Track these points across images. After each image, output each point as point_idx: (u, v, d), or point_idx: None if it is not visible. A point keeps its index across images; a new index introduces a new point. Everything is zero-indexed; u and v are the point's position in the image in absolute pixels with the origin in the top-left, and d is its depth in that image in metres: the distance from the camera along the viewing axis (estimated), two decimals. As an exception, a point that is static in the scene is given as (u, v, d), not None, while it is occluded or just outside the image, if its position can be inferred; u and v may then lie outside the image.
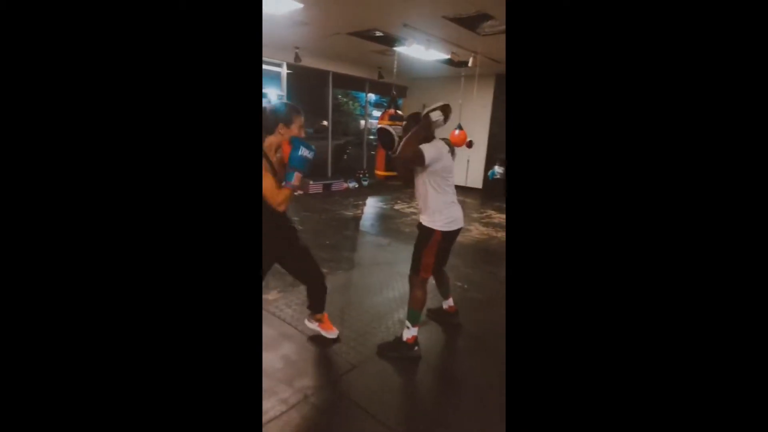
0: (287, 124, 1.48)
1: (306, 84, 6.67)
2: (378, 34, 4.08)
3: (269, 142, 1.51)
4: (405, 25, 3.64)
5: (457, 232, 1.88)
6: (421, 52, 4.35)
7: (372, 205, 5.45)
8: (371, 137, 7.42)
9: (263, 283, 2.55)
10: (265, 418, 1.44)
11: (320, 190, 6.06)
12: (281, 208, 1.47)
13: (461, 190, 6.36)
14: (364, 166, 7.23)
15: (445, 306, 2.24)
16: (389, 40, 4.31)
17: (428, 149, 1.71)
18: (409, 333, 1.87)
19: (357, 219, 4.64)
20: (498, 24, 3.48)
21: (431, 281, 2.14)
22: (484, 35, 3.83)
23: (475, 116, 6.46)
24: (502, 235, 4.21)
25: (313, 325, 2.03)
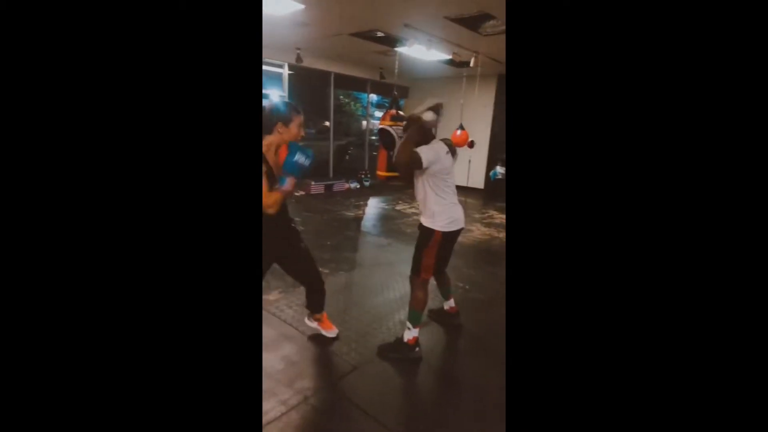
0: (286, 123, 1.48)
1: (308, 85, 6.68)
2: (379, 34, 4.08)
3: (268, 141, 1.50)
4: (406, 26, 3.64)
5: (458, 232, 1.87)
6: (423, 52, 4.34)
7: (373, 206, 5.45)
8: (373, 138, 7.42)
9: (264, 284, 2.55)
10: (265, 419, 1.43)
11: (322, 191, 6.06)
12: (270, 211, 1.43)
13: (463, 190, 6.35)
14: (366, 167, 7.23)
15: (446, 307, 2.23)
16: (391, 41, 4.31)
17: (425, 152, 1.70)
18: (410, 334, 1.87)
19: (358, 219, 4.64)
20: (499, 24, 3.48)
21: (432, 282, 2.13)
22: (485, 35, 3.83)
23: (477, 116, 6.46)
24: (503, 235, 4.20)
25: (312, 324, 2.03)
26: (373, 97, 7.46)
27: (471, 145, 4.40)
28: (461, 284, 2.78)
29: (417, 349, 1.88)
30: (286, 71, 5.66)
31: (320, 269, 2.86)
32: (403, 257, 3.16)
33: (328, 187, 6.18)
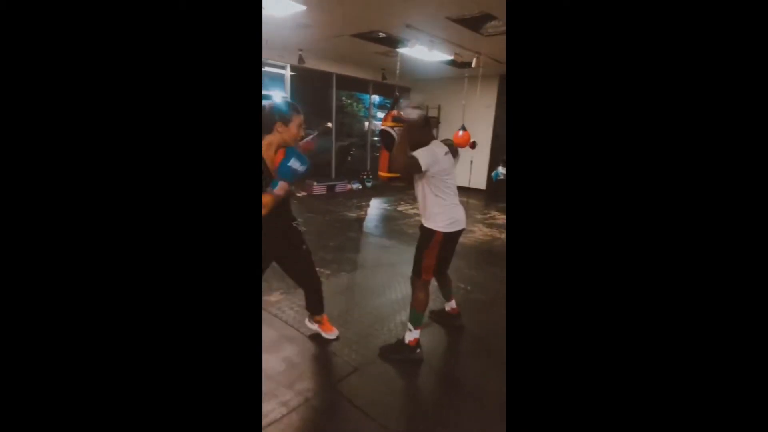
0: (285, 122, 1.47)
1: (310, 86, 6.68)
2: (381, 35, 4.08)
3: (268, 141, 1.49)
4: (408, 26, 3.64)
5: (459, 233, 1.87)
6: (424, 53, 4.34)
7: (375, 207, 5.45)
8: (375, 139, 7.43)
9: (265, 285, 2.55)
10: (265, 421, 1.43)
11: (324, 192, 6.06)
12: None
13: (465, 191, 6.38)
14: (368, 168, 7.23)
15: (447, 308, 2.22)
16: (392, 42, 4.31)
17: (423, 155, 1.69)
18: (411, 335, 1.86)
19: (360, 220, 4.64)
20: (501, 24, 3.47)
21: (433, 283, 2.13)
22: (487, 36, 3.82)
23: (479, 117, 6.45)
24: (505, 236, 4.19)
25: (313, 326, 2.03)
26: (376, 97, 7.46)
27: (473, 145, 4.40)
28: (463, 285, 2.78)
29: (418, 350, 1.88)
30: (288, 72, 5.67)
31: (322, 270, 2.89)
32: (404, 258, 3.16)
33: (330, 188, 6.19)
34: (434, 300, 2.32)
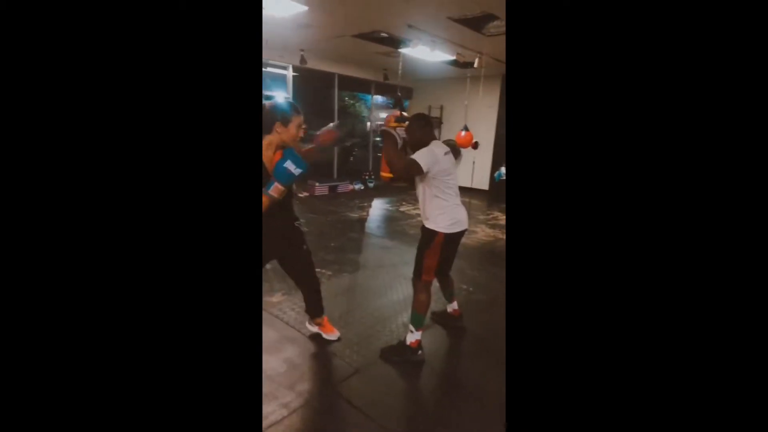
0: (285, 123, 1.46)
1: (312, 86, 6.69)
2: (383, 35, 4.08)
3: (267, 141, 1.48)
4: (410, 27, 3.63)
5: (461, 234, 1.86)
6: (426, 53, 4.33)
7: (377, 207, 5.44)
8: (377, 139, 7.42)
9: (267, 286, 2.55)
10: (266, 422, 1.43)
11: (326, 192, 6.06)
12: None
13: (467, 191, 6.37)
14: (370, 168, 7.23)
15: (449, 309, 2.21)
16: (394, 42, 4.31)
17: (422, 156, 1.68)
18: (412, 337, 1.85)
19: (362, 221, 4.63)
20: (503, 24, 3.46)
21: (435, 284, 2.12)
22: (489, 36, 3.81)
23: (481, 117, 6.43)
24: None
25: (313, 329, 2.03)
26: (378, 98, 7.46)
27: (475, 146, 4.38)
28: (465, 286, 2.77)
29: (420, 352, 1.87)
30: (290, 73, 5.67)
31: (323, 271, 2.88)
32: (406, 259, 3.15)
33: (332, 189, 6.19)
34: (436, 301, 2.31)
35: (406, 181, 1.91)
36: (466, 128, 4.34)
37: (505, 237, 4.17)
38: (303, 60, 5.05)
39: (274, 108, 1.48)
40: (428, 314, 1.97)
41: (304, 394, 1.60)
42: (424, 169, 1.68)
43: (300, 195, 5.78)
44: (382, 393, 1.65)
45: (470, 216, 1.89)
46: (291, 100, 5.68)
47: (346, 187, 6.40)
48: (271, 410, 1.49)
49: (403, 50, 4.42)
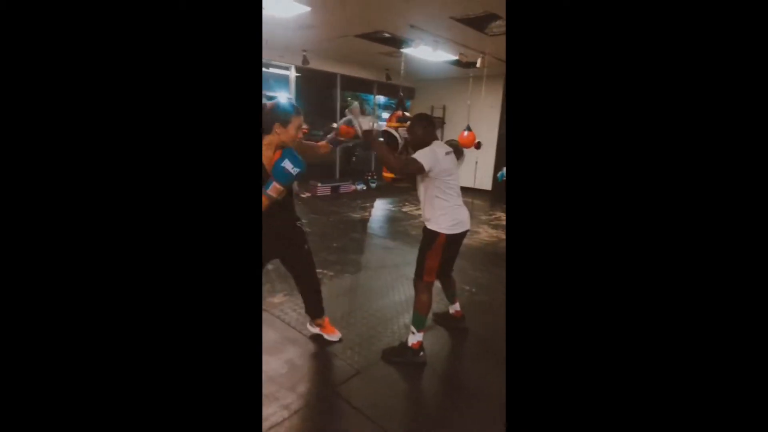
0: (284, 124, 1.46)
1: (314, 86, 6.69)
2: (385, 35, 4.07)
3: (267, 141, 1.48)
4: (412, 27, 3.62)
5: (463, 234, 1.85)
6: (429, 53, 4.32)
7: (380, 207, 5.44)
8: (380, 139, 7.40)
9: (268, 287, 2.54)
10: (266, 424, 1.42)
11: (328, 192, 6.06)
12: None
13: (470, 191, 6.36)
14: (372, 169, 7.22)
15: (451, 311, 2.20)
16: (396, 42, 4.30)
17: (423, 156, 1.67)
18: (414, 338, 1.84)
19: (364, 221, 4.63)
20: (505, 24, 3.44)
21: (437, 285, 2.11)
22: (492, 35, 3.79)
23: (484, 117, 6.41)
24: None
25: (315, 330, 2.02)
26: (381, 98, 7.46)
27: (478, 146, 4.36)
28: (467, 287, 2.75)
29: (421, 353, 1.86)
30: (293, 73, 5.67)
31: (325, 271, 2.88)
32: (408, 259, 3.14)
33: (335, 189, 6.19)
34: (438, 302, 2.30)
35: (409, 180, 1.89)
36: (468, 128, 4.32)
37: (507, 237, 4.14)
38: (305, 60, 5.05)
39: (274, 109, 1.47)
40: (430, 315, 1.96)
41: (305, 395, 1.60)
42: (426, 168, 1.67)
43: (302, 195, 5.78)
44: (383, 394, 1.64)
45: (473, 216, 1.87)
46: (293, 100, 5.69)
47: (348, 187, 6.40)
48: (271, 411, 1.49)
49: (406, 50, 4.41)
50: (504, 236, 4.21)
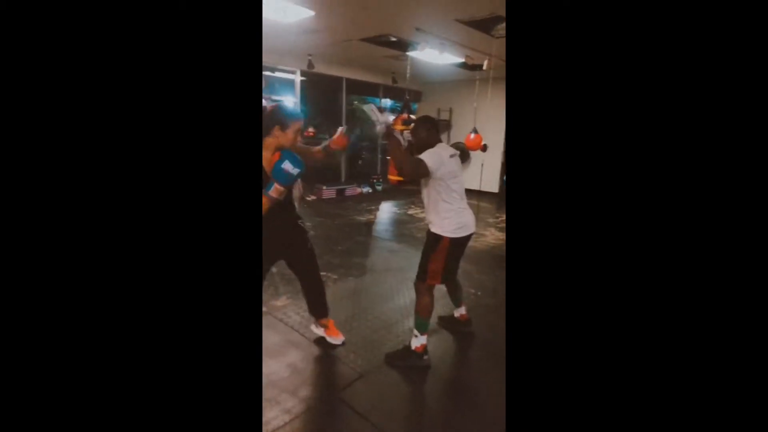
0: (283, 127, 1.46)
1: (320, 90, 6.72)
2: (390, 39, 4.07)
3: (266, 143, 1.49)
4: (417, 30, 3.62)
5: (467, 238, 1.83)
6: (435, 56, 4.31)
7: (385, 210, 5.43)
8: (385, 142, 7.42)
9: (272, 289, 2.54)
10: (267, 428, 1.41)
11: (334, 195, 6.07)
12: None
13: (476, 194, 6.33)
14: (378, 171, 7.22)
15: (456, 314, 2.18)
16: (402, 45, 4.30)
17: (428, 157, 1.66)
18: (417, 341, 1.82)
19: (370, 224, 4.62)
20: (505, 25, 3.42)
21: (443, 289, 2.09)
22: (498, 37, 3.77)
23: (491, 119, 6.38)
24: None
25: (319, 331, 2.01)
26: (388, 101, 7.47)
27: (484, 148, 4.34)
28: (473, 290, 2.73)
29: (425, 356, 1.84)
30: (298, 77, 5.71)
31: (329, 274, 2.87)
32: (414, 263, 3.09)
33: (340, 192, 6.19)
34: (443, 306, 2.28)
35: (415, 182, 1.88)
36: (475, 131, 4.30)
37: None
38: (311, 64, 5.08)
39: (274, 112, 1.48)
40: (433, 318, 1.94)
41: (307, 399, 1.58)
42: (431, 169, 1.65)
43: (308, 198, 5.80)
44: (386, 399, 1.62)
45: (479, 219, 1.85)
46: (298, 104, 5.72)
47: (354, 190, 6.40)
48: (273, 416, 1.47)
49: (411, 53, 4.41)
50: (510, 239, 4.17)
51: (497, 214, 5.37)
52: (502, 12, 3.09)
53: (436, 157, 1.67)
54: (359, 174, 7.14)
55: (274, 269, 2.58)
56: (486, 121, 6.17)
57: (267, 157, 1.48)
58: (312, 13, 3.18)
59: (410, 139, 1.86)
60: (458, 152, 1.81)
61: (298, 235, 1.76)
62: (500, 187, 6.55)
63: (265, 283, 2.08)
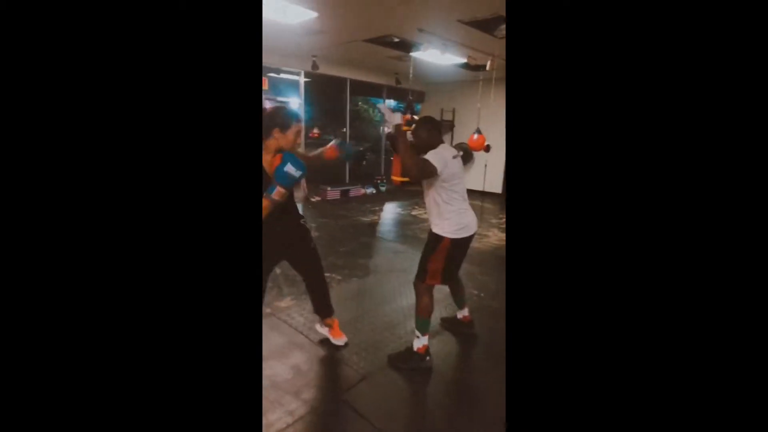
0: (283, 129, 1.47)
1: (324, 91, 6.74)
2: (394, 39, 4.07)
3: (266, 145, 1.49)
4: (420, 30, 3.62)
5: (469, 239, 1.82)
6: (438, 56, 4.31)
7: (389, 211, 5.43)
8: (389, 143, 7.41)
9: (276, 291, 2.55)
10: (270, 430, 1.41)
11: (338, 196, 6.08)
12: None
13: (479, 194, 6.31)
14: (382, 172, 7.22)
15: (459, 316, 2.17)
16: (405, 46, 4.30)
17: (433, 158, 1.65)
18: (419, 342, 1.82)
19: (374, 225, 4.62)
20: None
21: (446, 290, 2.08)
22: (500, 38, 3.76)
23: (494, 120, 6.36)
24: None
25: (323, 330, 2.02)
26: (391, 102, 7.47)
27: (487, 149, 4.33)
28: (476, 292, 2.72)
29: (428, 358, 1.83)
30: (302, 78, 5.73)
31: (333, 275, 2.88)
32: (417, 264, 3.11)
33: (344, 193, 6.20)
34: (446, 307, 2.28)
35: (419, 183, 1.88)
36: (478, 131, 4.29)
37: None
38: (315, 66, 5.09)
39: (274, 114, 1.48)
40: (435, 320, 1.93)
41: (310, 401, 1.59)
42: (437, 170, 1.65)
43: (312, 199, 5.81)
44: (389, 400, 1.62)
45: (482, 220, 1.85)
46: (303, 105, 5.74)
47: (357, 191, 6.41)
48: (276, 417, 1.48)
49: (414, 54, 4.41)
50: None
51: (500, 215, 5.34)
52: (504, 12, 3.09)
53: (440, 158, 1.67)
54: (363, 175, 7.15)
55: (278, 270, 2.59)
56: (489, 121, 6.16)
57: (267, 159, 1.49)
58: (315, 14, 3.19)
59: (412, 140, 1.86)
60: (461, 153, 1.81)
61: (300, 235, 1.76)
62: (503, 188, 6.53)
63: (269, 285, 2.08)
